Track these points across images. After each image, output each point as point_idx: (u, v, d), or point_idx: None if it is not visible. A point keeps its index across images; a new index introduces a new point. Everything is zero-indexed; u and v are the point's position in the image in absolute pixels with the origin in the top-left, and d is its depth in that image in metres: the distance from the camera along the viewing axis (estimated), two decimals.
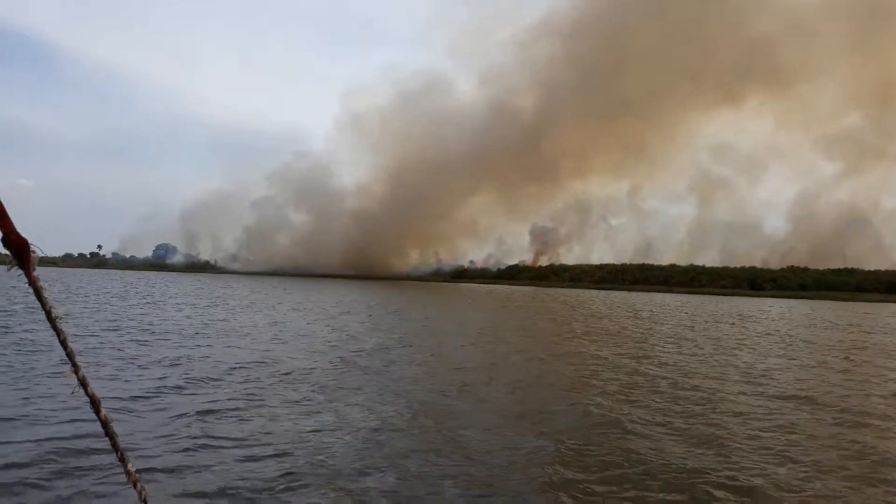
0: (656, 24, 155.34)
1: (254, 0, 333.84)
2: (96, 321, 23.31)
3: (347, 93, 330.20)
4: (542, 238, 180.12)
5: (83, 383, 1.50)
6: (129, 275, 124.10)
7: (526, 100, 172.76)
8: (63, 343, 1.46)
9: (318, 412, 10.00)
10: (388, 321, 29.11)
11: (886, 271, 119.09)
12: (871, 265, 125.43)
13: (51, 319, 1.41)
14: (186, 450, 7.86)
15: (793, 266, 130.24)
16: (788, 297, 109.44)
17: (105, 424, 1.55)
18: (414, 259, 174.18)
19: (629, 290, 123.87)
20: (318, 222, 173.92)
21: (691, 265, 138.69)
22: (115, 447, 1.58)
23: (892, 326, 37.78)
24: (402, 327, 25.90)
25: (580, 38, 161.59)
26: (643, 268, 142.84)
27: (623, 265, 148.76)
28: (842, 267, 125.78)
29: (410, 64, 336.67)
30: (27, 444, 7.78)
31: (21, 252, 1.25)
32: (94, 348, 15.71)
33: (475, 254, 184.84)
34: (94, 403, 1.52)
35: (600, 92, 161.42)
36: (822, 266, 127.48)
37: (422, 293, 70.51)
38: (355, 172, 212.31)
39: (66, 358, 1.47)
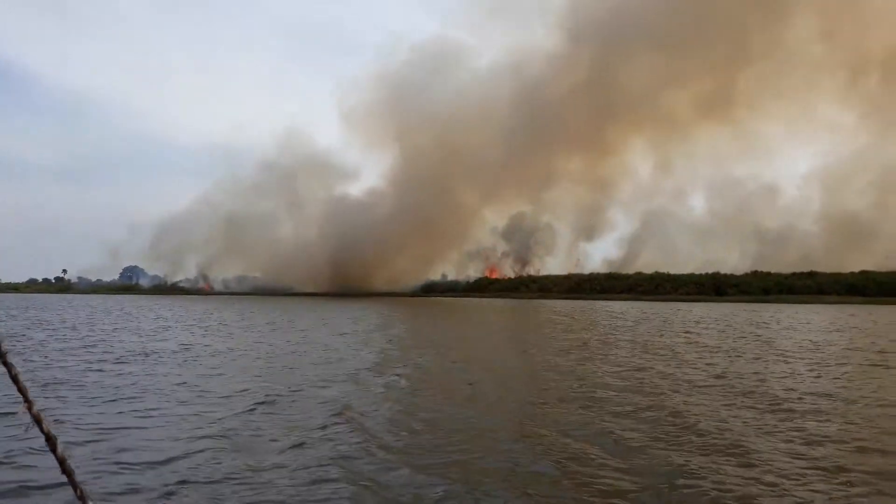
0: None
1: (223, 15, 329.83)
2: None
3: (340, 87, 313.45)
4: (488, 251, 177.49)
5: (37, 420, 1.41)
6: (86, 299, 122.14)
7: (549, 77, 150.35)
8: (14, 378, 1.40)
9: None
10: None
11: (847, 273, 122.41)
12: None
13: (0, 353, 1.36)
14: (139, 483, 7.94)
15: (756, 271, 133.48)
16: (751, 301, 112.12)
17: (62, 462, 1.46)
18: (400, 272, 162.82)
19: (596, 299, 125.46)
20: (299, 236, 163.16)
21: (656, 272, 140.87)
22: (73, 486, 1.49)
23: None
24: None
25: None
26: (610, 277, 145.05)
27: (591, 275, 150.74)
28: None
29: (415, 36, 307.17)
30: None
31: None
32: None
33: (445, 266, 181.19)
34: (50, 440, 1.43)
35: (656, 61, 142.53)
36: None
37: (438, 312, 70.10)
38: (346, 177, 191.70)
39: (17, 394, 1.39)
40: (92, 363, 19.98)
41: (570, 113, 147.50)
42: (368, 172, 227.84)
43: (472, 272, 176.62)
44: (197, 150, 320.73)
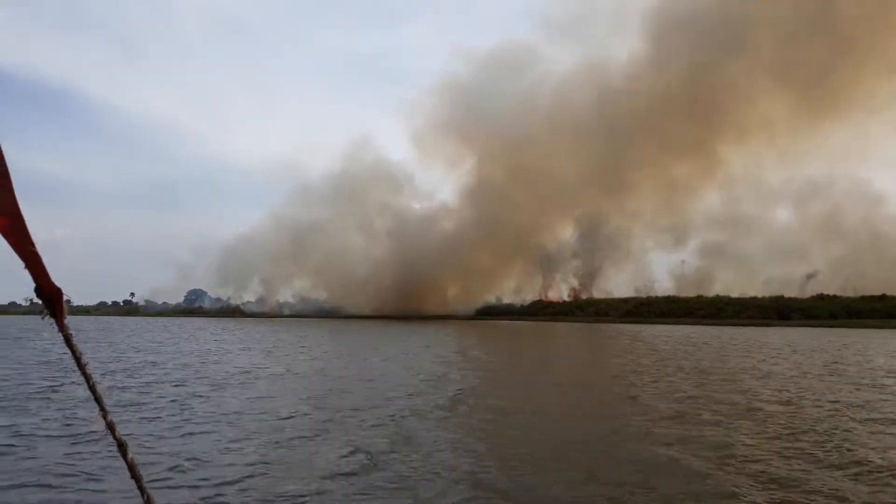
0: None
1: (282, 41, 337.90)
2: None
3: (405, 102, 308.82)
4: (549, 267, 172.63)
5: (111, 427, 1.51)
6: (157, 322, 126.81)
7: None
8: (92, 388, 1.49)
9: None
10: None
11: None
12: None
13: (80, 366, 1.44)
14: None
15: (822, 294, 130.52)
16: (818, 326, 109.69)
17: (132, 468, 1.55)
18: (461, 293, 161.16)
19: (654, 323, 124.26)
20: (367, 256, 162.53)
21: (717, 296, 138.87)
22: (141, 490, 1.59)
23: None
24: None
25: None
26: (669, 300, 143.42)
27: (648, 298, 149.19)
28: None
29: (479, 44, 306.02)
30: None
31: (54, 301, 1.29)
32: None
33: (510, 280, 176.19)
34: (122, 447, 1.52)
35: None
36: None
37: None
38: (414, 194, 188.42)
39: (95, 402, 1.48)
40: (186, 387, 21.10)
41: (653, 119, 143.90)
42: (436, 188, 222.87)
43: (529, 295, 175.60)
44: (258, 174, 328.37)
